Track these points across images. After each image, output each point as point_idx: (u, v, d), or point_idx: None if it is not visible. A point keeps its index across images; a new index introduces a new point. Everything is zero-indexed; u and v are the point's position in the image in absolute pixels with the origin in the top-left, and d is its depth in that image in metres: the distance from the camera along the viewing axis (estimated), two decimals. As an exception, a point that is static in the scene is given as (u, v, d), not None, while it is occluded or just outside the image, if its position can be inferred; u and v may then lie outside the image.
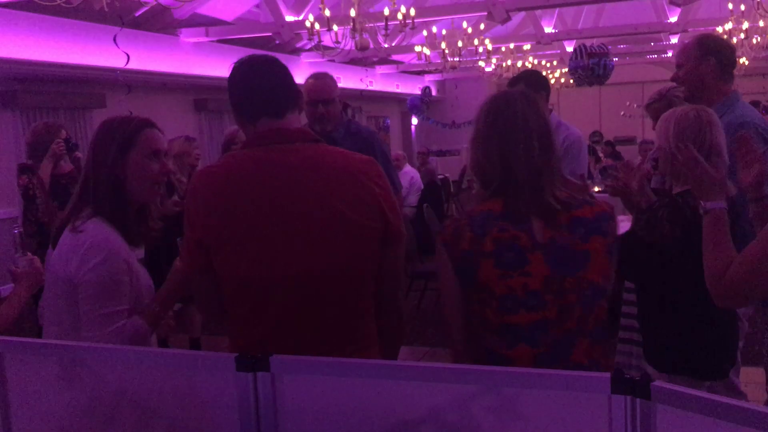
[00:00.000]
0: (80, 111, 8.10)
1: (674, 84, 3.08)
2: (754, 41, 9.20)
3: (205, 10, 8.71)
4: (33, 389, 1.66)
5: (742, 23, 8.84)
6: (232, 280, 1.68)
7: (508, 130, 1.66)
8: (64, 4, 4.01)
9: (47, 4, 4.05)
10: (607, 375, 1.09)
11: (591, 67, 10.08)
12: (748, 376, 3.68)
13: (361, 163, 1.74)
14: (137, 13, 7.47)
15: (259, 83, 1.73)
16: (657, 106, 3.19)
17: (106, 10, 3.83)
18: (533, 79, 3.66)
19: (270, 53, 2.06)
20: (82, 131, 8.00)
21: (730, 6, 8.97)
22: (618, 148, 12.16)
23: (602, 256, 1.63)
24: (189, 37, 8.98)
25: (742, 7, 8.80)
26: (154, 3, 3.92)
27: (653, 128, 2.64)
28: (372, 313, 1.77)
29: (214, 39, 9.14)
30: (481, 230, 1.62)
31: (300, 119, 1.81)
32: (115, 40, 4.10)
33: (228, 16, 9.46)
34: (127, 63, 4.46)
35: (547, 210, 1.61)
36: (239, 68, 1.76)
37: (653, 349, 2.26)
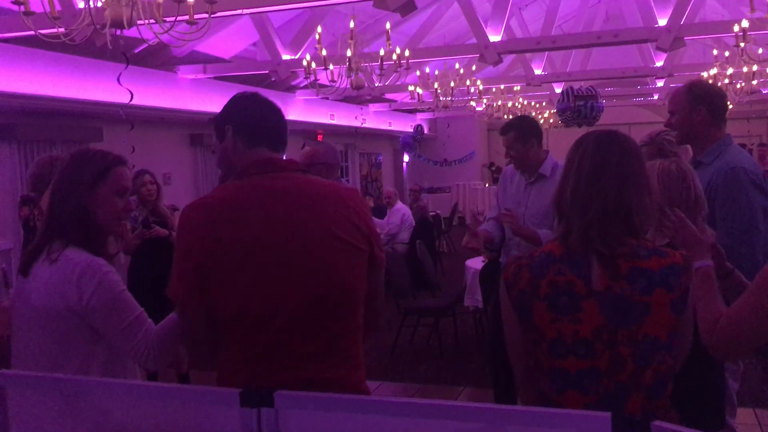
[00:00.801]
0: (78, 144, 8.13)
1: (664, 128, 3.15)
2: (738, 86, 9.41)
3: (203, 47, 8.84)
4: (35, 423, 1.65)
5: (726, 69, 9.05)
6: (229, 306, 1.69)
7: (596, 170, 1.64)
8: (67, 41, 4.07)
9: (50, 40, 4.12)
10: (608, 415, 1.11)
11: (578, 109, 10.27)
12: (746, 418, 3.70)
13: (347, 191, 1.86)
14: (137, 50, 7.57)
15: (268, 114, 1.85)
16: (647, 150, 3.25)
17: (109, 47, 3.89)
18: (525, 126, 3.71)
19: (265, 90, 2.16)
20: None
21: (715, 52, 9.20)
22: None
23: (665, 310, 1.58)
24: (187, 73, 9.09)
25: (727, 53, 9.03)
26: (155, 41, 3.99)
27: None
28: (361, 337, 1.83)
29: (211, 76, 9.27)
30: (538, 272, 1.62)
31: None
32: (119, 79, 4.15)
33: (225, 53, 9.60)
34: (130, 100, 4.51)
35: (610, 255, 1.58)
36: (249, 98, 1.86)
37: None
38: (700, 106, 2.85)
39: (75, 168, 1.99)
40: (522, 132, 3.65)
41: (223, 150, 1.85)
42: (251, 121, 1.82)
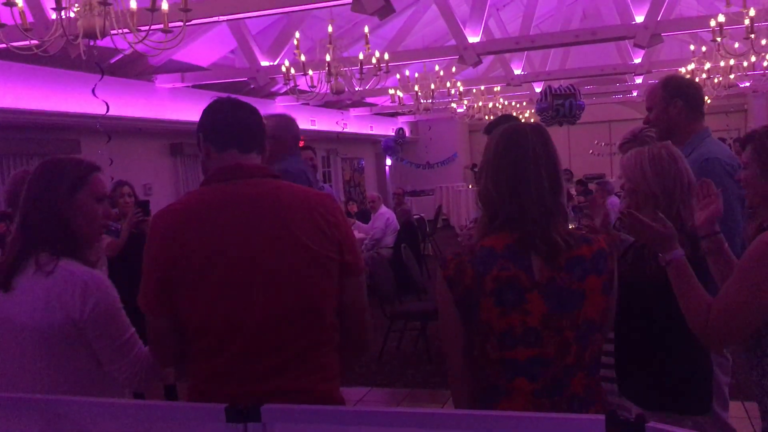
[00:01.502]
0: (54, 157, 8.05)
1: (644, 126, 3.16)
2: (716, 81, 9.52)
3: (180, 56, 8.78)
4: (14, 447, 1.61)
5: (704, 64, 9.16)
6: (195, 316, 1.67)
7: (519, 163, 1.67)
8: (40, 53, 4.01)
9: (23, 53, 4.06)
10: (602, 417, 1.10)
11: (556, 108, 10.33)
12: (735, 411, 3.72)
13: (317, 197, 1.79)
14: (112, 60, 7.50)
15: (235, 117, 1.81)
16: (630, 146, 3.27)
17: (83, 57, 3.83)
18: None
19: (245, 97, 2.13)
20: (56, 178, 7.92)
21: (692, 47, 9.30)
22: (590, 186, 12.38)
23: (597, 294, 1.65)
24: (164, 82, 9.02)
25: (704, 49, 9.13)
26: (130, 50, 3.94)
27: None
28: (334, 344, 1.78)
29: (190, 84, 9.20)
30: (482, 268, 1.64)
31: (260, 161, 1.86)
32: (93, 91, 4.10)
33: (203, 61, 9.54)
34: (107, 112, 4.46)
35: (551, 249, 1.63)
36: (218, 102, 1.84)
37: (632, 384, 2.27)
38: (676, 99, 2.87)
39: (49, 177, 1.95)
40: None
41: (202, 158, 1.84)
42: (218, 125, 1.80)
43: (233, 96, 1.91)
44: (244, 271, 1.65)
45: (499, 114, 13.25)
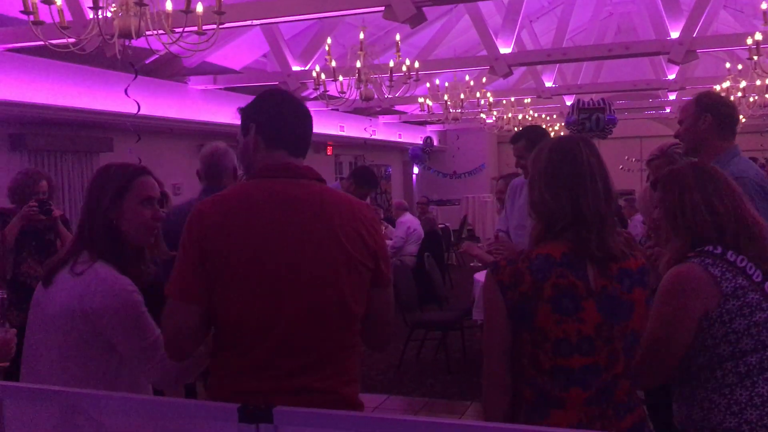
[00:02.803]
0: (87, 154, 8.19)
1: (675, 141, 3.12)
2: (751, 99, 9.35)
3: (213, 58, 8.89)
4: (31, 438, 1.64)
5: (739, 82, 8.99)
6: (229, 309, 1.67)
7: (578, 173, 1.72)
8: (76, 51, 4.08)
9: (60, 50, 4.14)
10: None
11: (581, 122, 10.23)
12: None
13: (361, 206, 1.81)
14: (147, 61, 7.62)
15: (295, 121, 1.81)
16: (658, 162, 3.24)
17: (119, 57, 3.90)
18: (535, 134, 3.71)
19: None
20: (89, 174, 8.08)
21: (728, 65, 9.15)
22: (619, 202, 12.25)
23: (643, 306, 1.72)
24: (197, 84, 9.14)
25: (740, 67, 8.98)
26: (165, 51, 4.00)
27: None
28: (358, 349, 1.80)
29: (222, 87, 9.31)
30: (541, 275, 1.66)
31: None
32: (126, 91, 4.16)
33: (236, 65, 9.65)
34: (137, 112, 4.52)
35: (607, 258, 1.68)
36: (279, 96, 1.84)
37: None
38: (706, 114, 2.85)
39: (98, 185, 2.03)
40: (532, 141, 3.64)
41: (244, 145, 1.83)
42: (275, 122, 1.79)
43: (291, 94, 1.92)
44: (283, 268, 1.66)
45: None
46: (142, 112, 5.17)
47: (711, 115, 2.83)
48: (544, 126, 14.74)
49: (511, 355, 1.71)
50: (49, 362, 1.94)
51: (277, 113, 1.80)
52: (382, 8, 5.17)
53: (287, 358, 1.67)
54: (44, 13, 3.68)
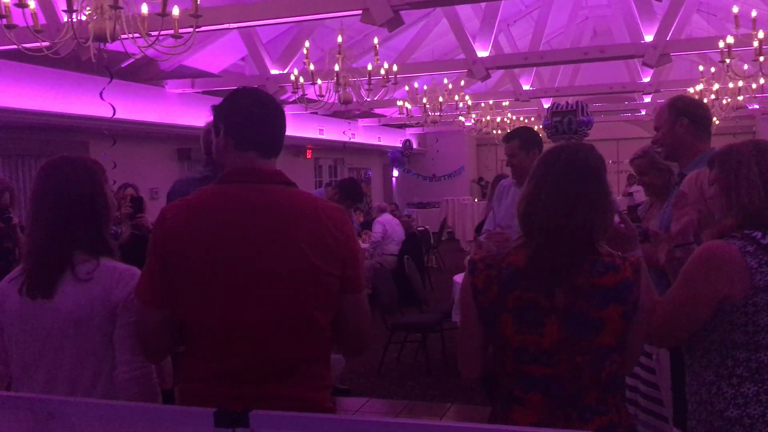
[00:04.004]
0: (62, 159, 8.10)
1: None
2: (724, 102, 9.50)
3: (191, 62, 8.84)
4: (4, 445, 1.61)
5: (712, 85, 9.14)
6: (191, 315, 1.67)
7: (534, 183, 1.72)
8: (51, 55, 4.04)
9: (34, 54, 4.09)
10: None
11: (554, 125, 10.34)
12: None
13: (329, 210, 1.74)
14: (124, 65, 7.55)
15: (264, 121, 1.75)
16: (639, 162, 3.32)
17: (94, 61, 3.86)
18: (528, 135, 3.78)
19: None
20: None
21: (701, 68, 9.30)
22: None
23: (617, 322, 1.64)
24: (174, 88, 9.08)
25: (713, 70, 9.13)
26: (141, 55, 3.97)
27: (637, 182, 2.67)
28: (328, 355, 1.77)
29: (199, 90, 9.26)
30: (506, 287, 1.67)
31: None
32: (101, 95, 4.13)
33: (214, 68, 9.60)
34: (113, 115, 4.48)
35: (573, 275, 1.64)
36: (248, 96, 1.77)
37: (683, 412, 2.25)
38: (682, 118, 2.86)
39: (83, 175, 1.95)
40: (525, 140, 3.71)
41: (216, 146, 1.80)
42: (244, 123, 1.74)
43: (261, 91, 1.82)
44: (243, 276, 1.64)
45: (507, 129, 13.27)
46: (119, 116, 5.13)
47: (687, 119, 2.85)
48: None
49: (481, 342, 1.76)
50: (46, 372, 1.89)
51: (245, 114, 1.74)
52: (360, 12, 5.19)
53: (251, 366, 1.65)
54: (17, 17, 3.64)
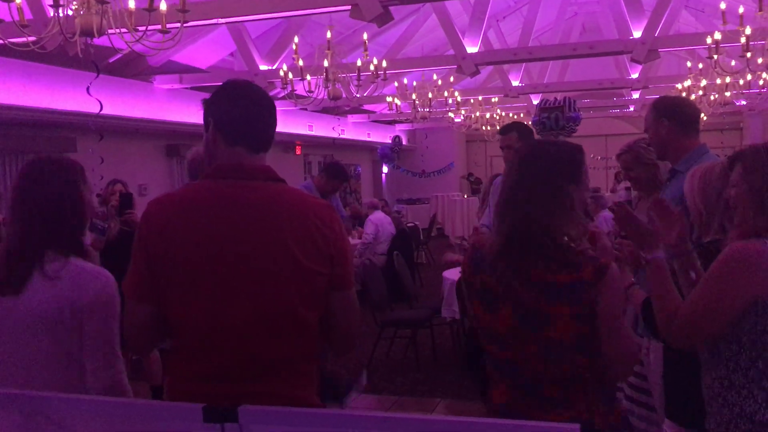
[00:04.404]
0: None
1: (641, 137, 3.22)
2: (712, 98, 9.56)
3: (179, 57, 8.79)
4: (-9, 442, 1.61)
5: (700, 81, 9.19)
6: (176, 311, 1.66)
7: (512, 180, 1.79)
8: (37, 49, 4.01)
9: (20, 49, 4.06)
10: (576, 426, 1.11)
11: (542, 122, 10.42)
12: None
13: (318, 207, 1.72)
14: (111, 60, 7.50)
15: (254, 115, 1.73)
16: (626, 157, 3.38)
17: (81, 56, 3.84)
18: (525, 128, 3.94)
19: None
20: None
21: (689, 64, 9.35)
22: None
23: (567, 320, 1.67)
24: (163, 83, 9.02)
25: (700, 66, 9.18)
26: (128, 50, 3.94)
27: (624, 177, 2.70)
28: (315, 353, 1.76)
29: (188, 86, 9.21)
30: (474, 269, 1.80)
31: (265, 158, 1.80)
32: (88, 90, 4.09)
33: (202, 64, 9.56)
34: (100, 111, 4.45)
35: (524, 269, 1.70)
36: (238, 89, 1.75)
37: (678, 405, 2.26)
38: (662, 119, 2.94)
39: (59, 175, 1.97)
40: (523, 133, 3.89)
41: (205, 141, 1.77)
42: (233, 118, 1.71)
43: (252, 82, 1.81)
44: (228, 274, 1.63)
45: (496, 125, 13.30)
46: (107, 111, 5.10)
47: (667, 119, 2.93)
48: (511, 125, 14.89)
49: None
50: (22, 370, 1.90)
51: (234, 108, 1.72)
52: (349, 7, 5.18)
53: (238, 365, 1.64)
54: (3, 12, 3.61)
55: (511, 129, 3.88)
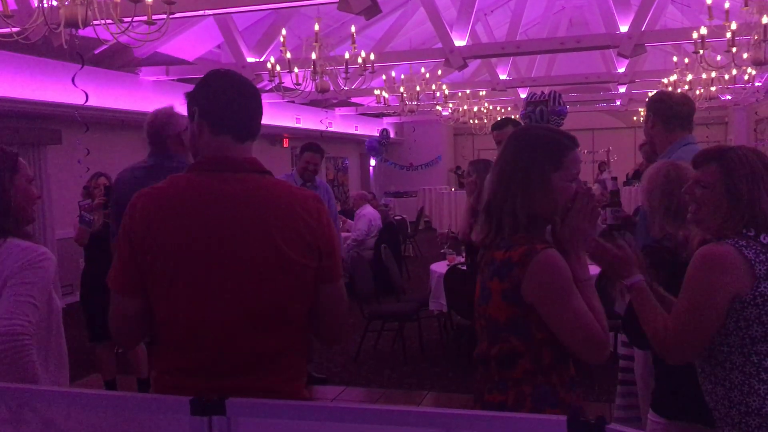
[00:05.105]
0: (36, 147, 7.95)
1: None
2: (698, 92, 9.62)
3: (165, 49, 8.73)
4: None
5: (686, 75, 9.25)
6: (161, 306, 1.65)
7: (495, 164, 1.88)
8: (21, 40, 3.96)
9: (4, 40, 4.02)
10: (563, 418, 1.12)
11: (528, 115, 10.48)
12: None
13: (304, 199, 1.71)
14: (97, 51, 7.43)
15: (239, 103, 1.71)
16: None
17: (65, 47, 3.80)
18: (519, 124, 3.94)
19: None
20: (38, 167, 7.85)
21: (675, 59, 9.40)
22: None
23: (497, 296, 1.73)
24: (149, 75, 8.95)
25: (686, 60, 9.24)
26: (114, 41, 3.91)
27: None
28: (302, 347, 1.75)
29: (174, 78, 9.14)
30: (469, 248, 1.98)
31: (251, 149, 1.77)
32: (73, 80, 4.06)
33: (189, 55, 9.49)
34: (85, 102, 4.41)
35: (474, 246, 1.86)
36: (223, 78, 1.73)
37: (663, 398, 2.28)
38: (649, 114, 3.08)
39: None
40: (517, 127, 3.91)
41: (190, 131, 1.75)
42: (218, 106, 1.69)
43: (235, 73, 1.78)
44: (213, 268, 1.62)
45: (484, 119, 13.31)
46: (92, 103, 5.06)
47: (653, 114, 3.04)
48: (498, 118, 14.94)
49: None
50: None
51: (219, 96, 1.70)
52: (337, 0, 5.16)
53: (223, 359, 1.63)
54: (-14, 2, 3.56)
55: (506, 124, 3.91)
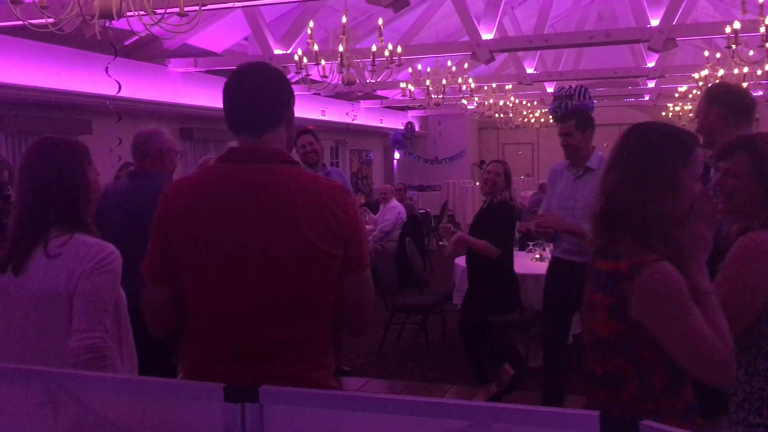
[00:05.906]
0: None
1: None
2: (729, 88, 9.44)
3: (194, 41, 8.78)
4: (14, 417, 1.63)
5: (717, 71, 9.09)
6: (191, 294, 1.68)
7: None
8: (56, 31, 4.02)
9: (38, 30, 4.07)
10: (596, 414, 1.11)
11: (554, 110, 10.39)
12: None
13: (331, 190, 1.72)
14: (127, 42, 7.51)
15: (240, 101, 1.74)
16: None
17: (98, 38, 3.85)
18: (583, 116, 3.95)
19: None
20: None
21: (706, 53, 9.23)
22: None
23: (603, 312, 1.66)
24: (177, 67, 9.03)
25: (718, 55, 9.07)
26: (145, 32, 3.95)
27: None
28: (329, 335, 1.76)
29: (202, 69, 9.21)
30: None
31: (284, 135, 1.78)
32: (107, 70, 4.11)
33: (217, 47, 9.54)
34: (118, 91, 4.47)
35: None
36: (231, 80, 1.77)
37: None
38: (715, 107, 2.86)
39: (65, 155, 2.03)
40: (581, 121, 3.88)
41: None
42: (228, 108, 1.75)
43: (251, 61, 1.81)
44: (242, 257, 1.64)
45: (509, 113, 13.20)
46: (123, 94, 5.12)
47: (718, 106, 2.86)
48: (524, 113, 14.78)
49: None
50: (21, 347, 1.96)
51: (227, 99, 1.75)
52: (365, -8, 5.16)
53: (252, 347, 1.66)
54: (22, -8, 3.62)
55: (571, 117, 3.91)
